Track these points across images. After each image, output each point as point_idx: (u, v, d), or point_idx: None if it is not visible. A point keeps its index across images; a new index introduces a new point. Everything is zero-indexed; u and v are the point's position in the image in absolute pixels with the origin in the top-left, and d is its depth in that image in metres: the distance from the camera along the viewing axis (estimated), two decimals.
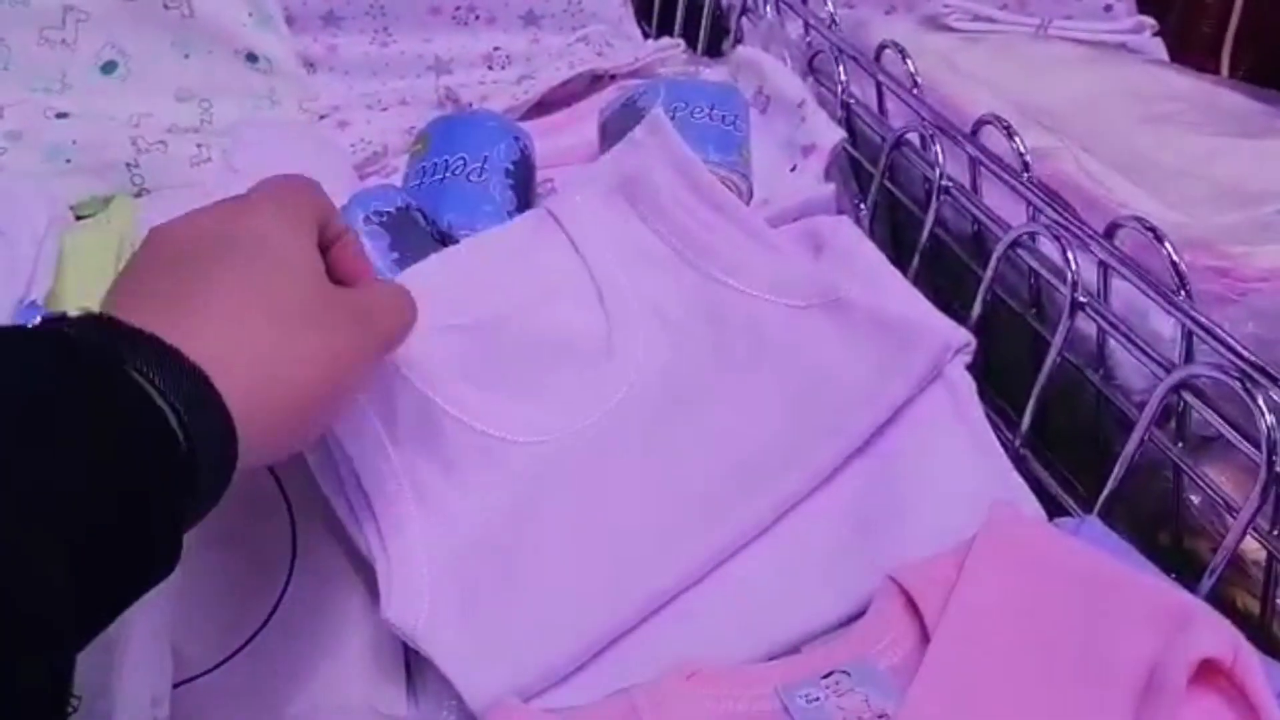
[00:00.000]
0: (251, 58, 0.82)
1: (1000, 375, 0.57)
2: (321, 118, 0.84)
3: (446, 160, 0.65)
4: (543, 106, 0.81)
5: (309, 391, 0.39)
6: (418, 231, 0.57)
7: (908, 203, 0.66)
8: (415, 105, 0.85)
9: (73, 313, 0.37)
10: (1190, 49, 0.89)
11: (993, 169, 0.58)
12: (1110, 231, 0.51)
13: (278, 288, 0.39)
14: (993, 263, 0.54)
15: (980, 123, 0.60)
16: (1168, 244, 0.46)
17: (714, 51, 0.93)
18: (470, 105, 0.80)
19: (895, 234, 0.69)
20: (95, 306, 0.62)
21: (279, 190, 0.44)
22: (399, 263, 0.55)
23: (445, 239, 0.58)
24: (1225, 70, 0.88)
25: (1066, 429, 0.55)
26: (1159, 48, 0.90)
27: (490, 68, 0.91)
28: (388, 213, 0.56)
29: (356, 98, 0.87)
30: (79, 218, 0.69)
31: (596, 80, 0.83)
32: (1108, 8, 0.92)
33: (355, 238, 0.48)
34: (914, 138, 0.64)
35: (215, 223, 0.41)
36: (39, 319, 0.56)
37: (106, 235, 0.66)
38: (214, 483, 0.35)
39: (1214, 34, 0.87)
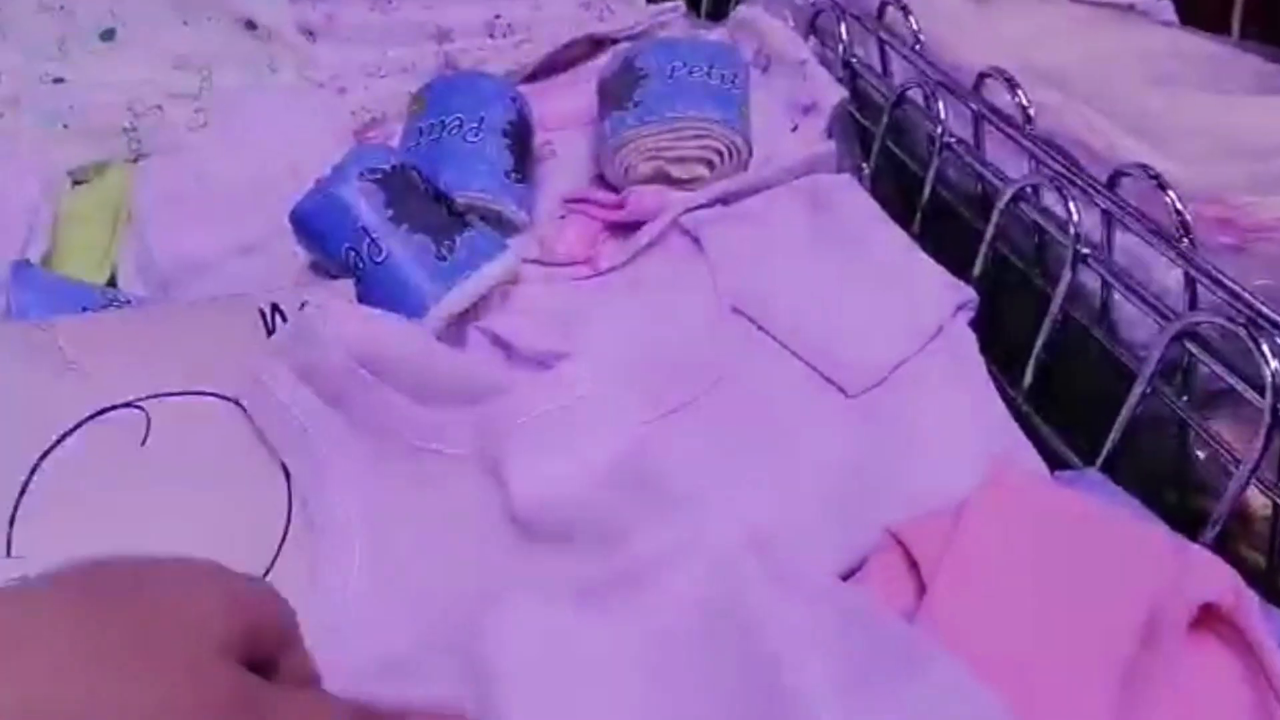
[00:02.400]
0: (250, 25, 0.82)
1: (1004, 332, 0.57)
2: (320, 85, 0.83)
3: (443, 120, 0.65)
4: (544, 71, 0.80)
5: None
6: (413, 189, 0.56)
7: (910, 162, 0.65)
8: (415, 73, 0.85)
9: None
10: (1200, 11, 0.87)
11: (995, 122, 0.57)
12: (1113, 180, 0.50)
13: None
14: (994, 216, 0.54)
15: (982, 76, 0.59)
16: (1170, 192, 0.45)
17: (719, 15, 0.92)
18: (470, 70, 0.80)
19: (904, 196, 0.68)
20: (90, 271, 0.62)
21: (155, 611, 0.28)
22: (393, 219, 0.55)
23: (440, 196, 0.57)
24: (1236, 33, 0.86)
25: (1070, 386, 0.54)
26: (1168, 10, 0.88)
27: (491, 36, 0.90)
28: (383, 170, 0.56)
29: (356, 66, 0.86)
30: (75, 183, 0.69)
31: (598, 44, 0.82)
32: None
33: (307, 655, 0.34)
34: (916, 95, 0.63)
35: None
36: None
37: (103, 200, 0.66)
38: None
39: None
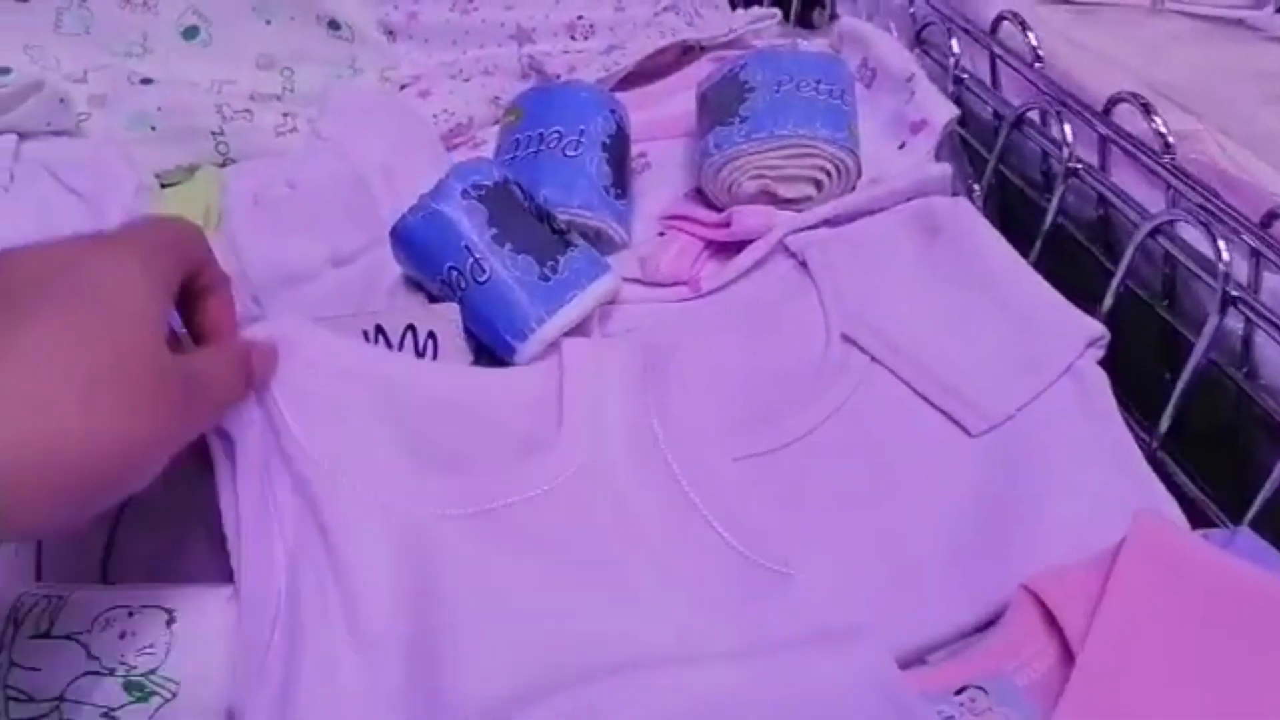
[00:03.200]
0: (333, 25, 0.80)
1: (1125, 370, 0.54)
2: (403, 87, 0.82)
3: (541, 133, 0.63)
4: (630, 78, 0.78)
5: (87, 476, 0.34)
6: (515, 206, 0.54)
7: (1022, 184, 0.63)
8: (498, 75, 0.83)
9: None
10: None
11: (1129, 149, 0.54)
12: (1267, 220, 0.47)
13: (94, 347, 0.34)
14: (1130, 251, 0.51)
15: (1114, 100, 0.56)
16: None
17: (804, 23, 0.90)
18: (557, 76, 0.78)
19: (1008, 220, 0.65)
20: None
21: (143, 233, 0.40)
22: (497, 238, 0.53)
23: (542, 214, 0.55)
24: None
25: (1202, 430, 0.52)
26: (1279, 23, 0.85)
27: (573, 37, 0.88)
28: (486, 186, 0.54)
29: (437, 66, 0.84)
30: (163, 186, 0.67)
31: (687, 51, 0.80)
32: None
33: (229, 291, 0.44)
34: (1034, 115, 0.61)
35: (54, 260, 0.36)
36: None
37: (193, 204, 0.65)
38: None
39: None
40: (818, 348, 0.56)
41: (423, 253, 0.54)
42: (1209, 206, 0.49)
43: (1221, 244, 0.47)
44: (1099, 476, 0.48)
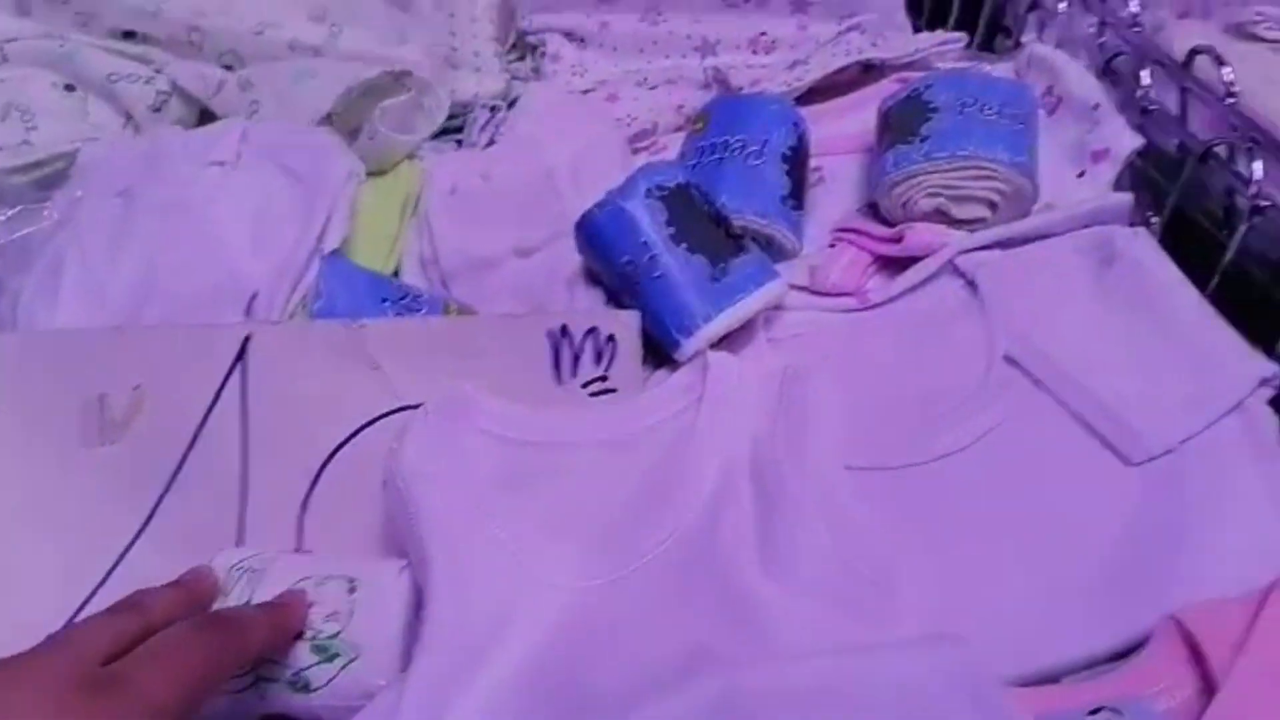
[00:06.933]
0: None
1: None
2: (587, 91, 0.85)
3: (726, 141, 0.65)
4: (810, 93, 0.79)
5: None
6: (693, 209, 0.57)
7: (1205, 221, 0.62)
8: (682, 84, 0.86)
9: None
10: None
11: None
12: None
13: None
14: None
15: None
16: None
17: (987, 47, 0.90)
18: (740, 89, 0.80)
19: (1183, 250, 0.64)
20: (378, 261, 0.66)
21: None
22: (674, 237, 0.56)
23: (719, 218, 0.58)
24: None
25: None
26: None
27: (755, 52, 0.90)
28: (669, 188, 0.57)
29: (622, 74, 0.88)
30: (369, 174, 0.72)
31: (867, 70, 0.81)
32: None
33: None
34: (1222, 150, 0.60)
35: None
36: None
37: (394, 192, 0.70)
38: None
39: None
40: (979, 368, 0.57)
41: (604, 245, 0.57)
42: None
43: None
44: (1258, 516, 0.47)
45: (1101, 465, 0.51)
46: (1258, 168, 0.56)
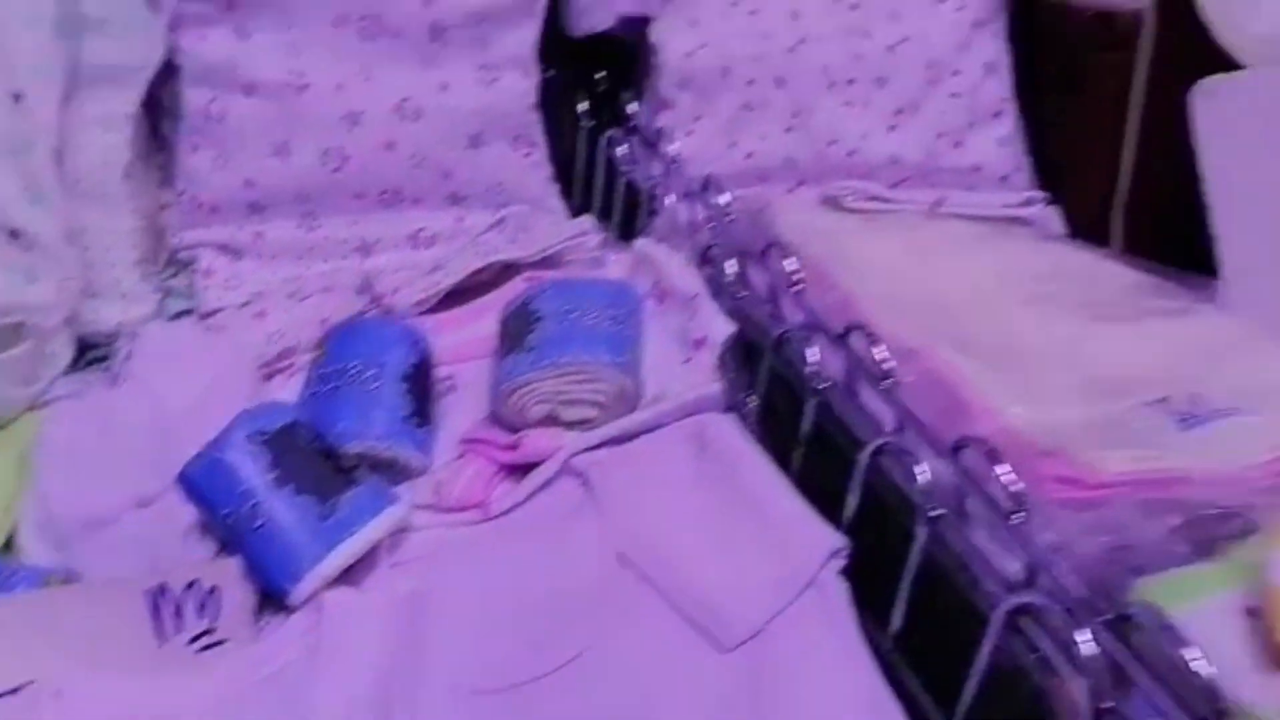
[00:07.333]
0: (14, 234, 0.78)
1: (877, 574, 0.58)
2: (243, 305, 0.86)
3: (343, 368, 0.67)
4: (453, 294, 0.82)
5: None
6: (298, 449, 0.58)
7: (780, 400, 0.68)
8: (335, 292, 0.87)
9: None
10: (1083, 220, 0.92)
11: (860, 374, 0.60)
12: (958, 446, 0.52)
13: None
14: (857, 473, 0.56)
15: (850, 327, 0.62)
16: (998, 469, 0.48)
17: (627, 231, 0.96)
18: (384, 295, 0.82)
19: (778, 422, 0.70)
20: None
21: None
22: (278, 480, 0.57)
23: (330, 453, 0.59)
24: (1119, 242, 0.91)
25: (935, 633, 0.56)
26: (1054, 218, 0.93)
27: (415, 248, 0.92)
28: (270, 432, 0.58)
29: (280, 282, 0.88)
30: None
31: (508, 268, 0.85)
32: (1004, 178, 0.95)
33: None
34: (794, 334, 0.66)
35: None
36: None
37: (10, 449, 0.68)
38: None
39: (1104, 206, 0.90)
40: (594, 568, 0.59)
41: (203, 499, 0.57)
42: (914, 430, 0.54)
43: (918, 470, 0.52)
44: (834, 687, 0.52)
45: (699, 655, 0.54)
46: (812, 353, 0.62)
